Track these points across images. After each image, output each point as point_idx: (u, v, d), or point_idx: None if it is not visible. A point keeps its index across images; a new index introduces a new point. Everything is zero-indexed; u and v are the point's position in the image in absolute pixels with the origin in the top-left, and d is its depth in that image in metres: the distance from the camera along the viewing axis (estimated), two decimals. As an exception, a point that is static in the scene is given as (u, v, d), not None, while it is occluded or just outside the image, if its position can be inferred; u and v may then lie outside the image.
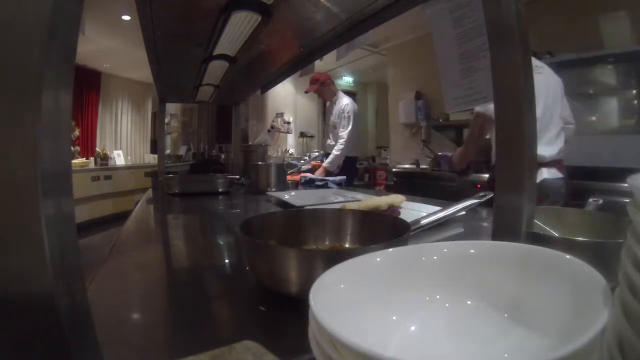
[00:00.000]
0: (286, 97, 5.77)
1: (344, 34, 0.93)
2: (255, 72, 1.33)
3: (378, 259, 0.32)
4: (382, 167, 3.54)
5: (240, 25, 0.78)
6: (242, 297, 0.50)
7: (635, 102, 1.91)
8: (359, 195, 1.25)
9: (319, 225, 0.61)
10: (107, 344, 0.28)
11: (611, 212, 0.52)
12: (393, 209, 0.88)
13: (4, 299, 0.22)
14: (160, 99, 1.82)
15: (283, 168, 1.61)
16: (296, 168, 2.31)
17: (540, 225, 0.53)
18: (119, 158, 5.66)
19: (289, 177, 1.86)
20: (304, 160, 3.54)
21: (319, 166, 2.67)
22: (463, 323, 0.28)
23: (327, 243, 0.60)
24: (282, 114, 5.19)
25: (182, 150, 6.12)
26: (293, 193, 1.35)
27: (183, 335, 0.38)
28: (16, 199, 0.21)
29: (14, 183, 0.21)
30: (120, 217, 4.43)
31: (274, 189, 1.51)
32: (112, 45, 4.73)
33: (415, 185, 3.18)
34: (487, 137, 1.61)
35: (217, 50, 0.95)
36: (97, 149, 5.65)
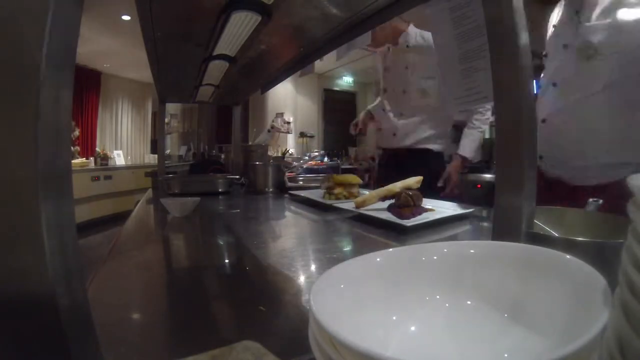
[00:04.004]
0: (286, 97, 5.77)
1: (344, 34, 0.92)
2: (255, 72, 1.33)
3: (378, 259, 0.32)
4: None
5: (240, 26, 0.78)
6: (242, 297, 0.50)
7: (635, 102, 1.90)
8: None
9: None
10: (107, 344, 0.28)
11: (611, 212, 0.52)
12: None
13: (4, 298, 0.22)
14: (160, 99, 1.82)
15: (281, 169, 1.61)
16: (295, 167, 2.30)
17: (540, 225, 0.53)
18: (119, 158, 5.66)
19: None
20: (304, 160, 3.54)
21: (320, 166, 2.62)
22: (463, 323, 0.28)
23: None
24: (282, 114, 5.19)
25: (182, 150, 6.12)
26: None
27: (183, 335, 0.38)
28: (16, 199, 0.21)
29: (14, 183, 0.21)
30: (120, 217, 4.42)
31: (271, 190, 1.52)
32: (112, 45, 4.74)
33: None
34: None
35: (217, 50, 0.95)
36: (97, 149, 5.65)
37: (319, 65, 1.32)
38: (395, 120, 1.55)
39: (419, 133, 1.51)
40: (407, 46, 1.49)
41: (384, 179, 1.12)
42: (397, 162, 1.56)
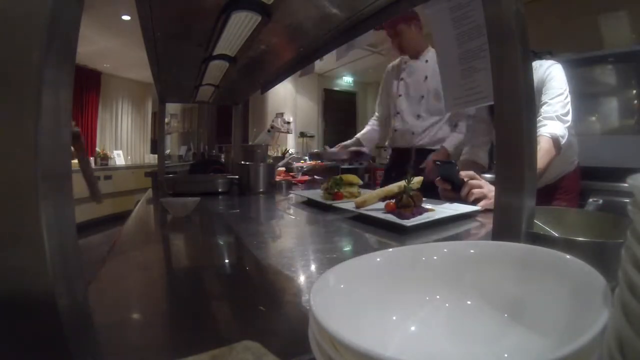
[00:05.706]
0: (286, 97, 5.77)
1: (344, 34, 0.92)
2: (255, 72, 1.33)
3: (378, 259, 0.32)
4: (382, 168, 3.54)
5: (240, 25, 0.78)
6: (242, 297, 0.50)
7: (635, 102, 1.90)
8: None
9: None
10: (107, 344, 0.28)
11: (611, 212, 0.52)
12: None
13: (4, 299, 0.22)
14: (160, 99, 1.82)
15: (273, 168, 1.63)
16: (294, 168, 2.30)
17: (540, 225, 0.53)
18: (119, 158, 5.66)
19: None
20: (304, 159, 3.54)
21: (321, 166, 2.63)
22: (463, 323, 0.28)
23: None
24: (282, 114, 5.19)
25: (182, 150, 6.12)
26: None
27: (183, 335, 0.38)
28: (16, 199, 0.21)
29: (14, 183, 0.21)
30: (120, 217, 4.42)
31: (262, 190, 1.54)
32: (112, 45, 4.74)
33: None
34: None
35: (217, 50, 0.95)
36: (97, 149, 5.65)
37: (319, 65, 1.33)
38: (413, 121, 1.78)
39: (435, 133, 1.74)
40: (426, 61, 1.77)
41: (393, 178, 1.24)
42: (408, 160, 1.77)
